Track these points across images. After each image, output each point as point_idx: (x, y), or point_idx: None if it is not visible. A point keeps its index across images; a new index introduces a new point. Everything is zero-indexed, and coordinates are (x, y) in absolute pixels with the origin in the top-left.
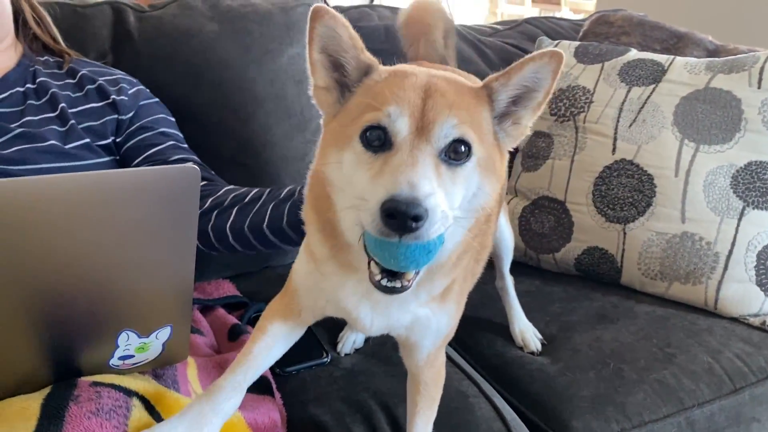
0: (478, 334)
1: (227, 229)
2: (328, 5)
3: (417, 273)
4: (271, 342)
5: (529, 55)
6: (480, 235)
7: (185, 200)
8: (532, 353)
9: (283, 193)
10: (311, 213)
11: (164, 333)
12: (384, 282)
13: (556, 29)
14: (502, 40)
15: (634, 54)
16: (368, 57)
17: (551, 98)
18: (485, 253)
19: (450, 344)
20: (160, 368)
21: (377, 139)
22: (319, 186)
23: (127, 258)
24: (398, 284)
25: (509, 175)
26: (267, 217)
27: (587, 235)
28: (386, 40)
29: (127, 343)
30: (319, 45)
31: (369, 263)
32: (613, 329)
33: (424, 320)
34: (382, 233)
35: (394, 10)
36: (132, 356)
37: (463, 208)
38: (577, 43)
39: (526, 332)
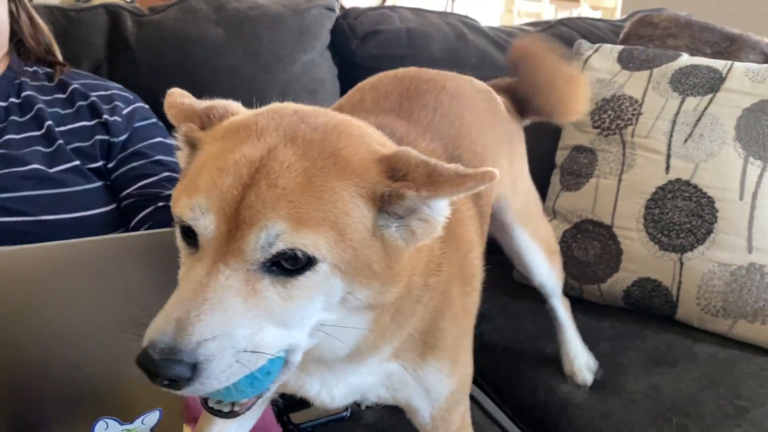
0: (517, 380)
1: None
2: (342, 7)
3: (255, 398)
4: None
5: (461, 174)
6: (422, 301)
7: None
8: (578, 386)
9: None
10: None
11: (152, 417)
12: (210, 403)
13: (592, 31)
14: None
15: (686, 59)
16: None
17: (594, 108)
18: (470, 283)
19: (484, 392)
20: None
21: (192, 236)
22: None
23: (111, 334)
24: (225, 408)
25: (545, 194)
26: None
27: (638, 265)
28: (409, 45)
29: (106, 431)
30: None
31: None
32: (671, 375)
33: (398, 377)
34: (158, 384)
35: (417, 12)
36: None
37: (335, 311)
38: (621, 47)
39: (576, 360)
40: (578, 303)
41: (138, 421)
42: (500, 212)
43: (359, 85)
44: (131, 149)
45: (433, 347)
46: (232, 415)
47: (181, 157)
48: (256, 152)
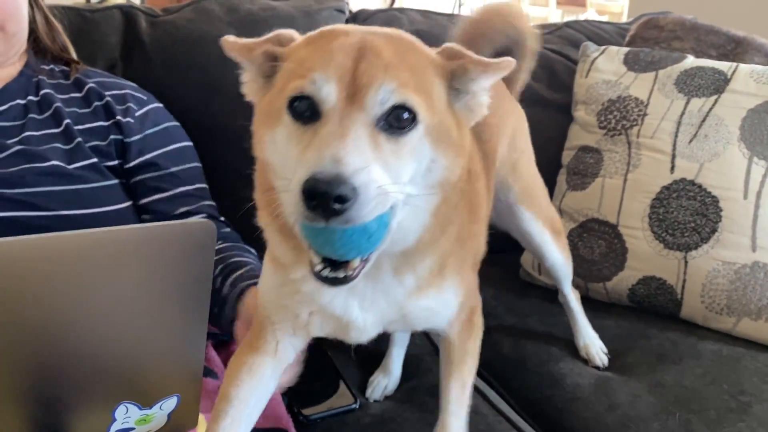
0: (523, 374)
1: None
2: (350, 11)
3: (365, 261)
4: (238, 413)
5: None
6: (458, 209)
7: (199, 259)
8: (597, 368)
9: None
10: (264, 213)
11: (170, 403)
12: (324, 273)
13: (599, 33)
14: (541, 45)
15: (691, 61)
16: (278, 34)
17: (600, 109)
18: (476, 212)
19: (492, 386)
20: None
21: (307, 110)
22: (262, 176)
23: (132, 323)
24: (340, 274)
25: (552, 193)
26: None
27: (643, 263)
28: None
29: (126, 416)
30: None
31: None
32: (675, 371)
33: (423, 311)
34: (306, 218)
35: (425, 14)
36: (132, 429)
37: (417, 184)
38: (627, 48)
39: (591, 347)
40: (584, 301)
41: (156, 407)
42: (502, 193)
43: None
44: (146, 157)
45: (449, 267)
46: (346, 280)
47: (250, 89)
48: (352, 41)
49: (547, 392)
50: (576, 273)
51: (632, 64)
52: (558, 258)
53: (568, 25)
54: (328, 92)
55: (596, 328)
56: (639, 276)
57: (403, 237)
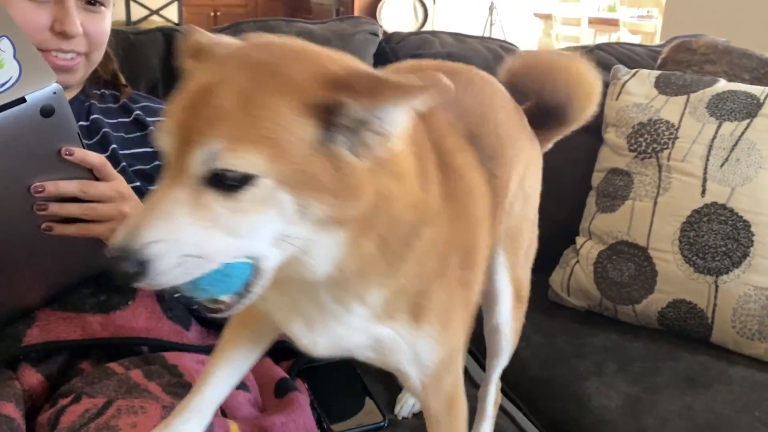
0: (549, 395)
1: None
2: (386, 32)
3: (239, 295)
4: (232, 354)
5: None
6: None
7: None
8: None
9: None
10: None
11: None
12: (203, 303)
13: (630, 56)
14: None
15: (723, 85)
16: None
17: (631, 132)
18: (471, 258)
19: (518, 407)
20: None
21: None
22: None
23: None
24: (212, 305)
25: (581, 215)
26: None
27: (673, 287)
28: None
29: None
30: None
31: None
32: (705, 396)
33: (389, 342)
34: None
35: (457, 37)
36: None
37: (298, 225)
38: (658, 72)
39: None
40: (612, 323)
41: None
42: None
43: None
44: None
45: (427, 311)
46: (219, 311)
47: None
48: (209, 78)
49: (573, 413)
50: (605, 295)
51: (663, 87)
52: (506, 326)
53: (599, 47)
54: (162, 146)
55: (624, 349)
56: (669, 299)
57: (309, 269)
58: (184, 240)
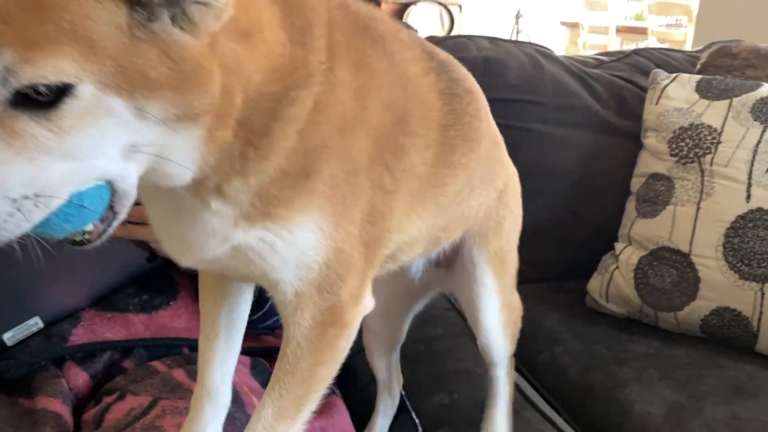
0: (591, 401)
1: None
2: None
3: (104, 222)
4: (216, 325)
5: None
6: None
7: None
8: None
9: None
10: None
11: None
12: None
13: (668, 61)
14: (609, 72)
15: (767, 89)
16: None
17: (672, 137)
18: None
19: (559, 413)
20: None
21: None
22: None
23: None
24: (77, 238)
25: (620, 221)
26: None
27: (716, 294)
28: (485, 73)
29: None
30: None
31: None
32: (753, 405)
33: (262, 246)
34: None
35: (493, 41)
36: None
37: (146, 132)
38: (699, 76)
39: None
40: (653, 331)
41: None
42: (474, 249)
43: None
44: None
45: (313, 195)
46: (84, 243)
47: None
48: None
49: (616, 419)
50: (646, 301)
51: (705, 91)
52: (497, 340)
53: (636, 52)
54: None
55: (665, 357)
56: (712, 306)
57: (172, 177)
58: (8, 182)
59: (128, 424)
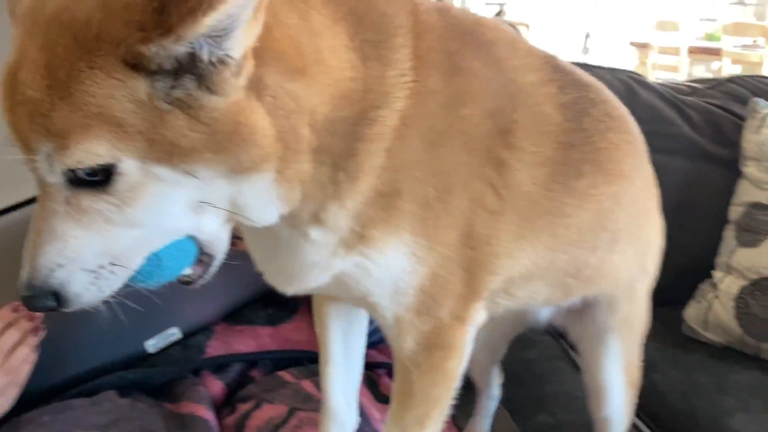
0: (694, 429)
1: None
2: None
3: (204, 265)
4: (335, 345)
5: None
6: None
7: None
8: None
9: None
10: None
11: None
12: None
13: (763, 89)
14: (704, 100)
15: None
16: None
17: None
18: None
19: None
20: None
21: None
22: None
23: None
24: (183, 279)
25: (717, 249)
26: None
27: None
28: None
29: None
30: None
31: None
32: None
33: (358, 272)
34: None
35: (586, 68)
36: None
37: (205, 190)
38: None
39: None
40: (754, 361)
41: None
42: (597, 312)
43: None
44: None
45: (404, 216)
46: (189, 283)
47: None
48: (14, 54)
49: None
50: (748, 332)
51: None
52: (618, 414)
53: (731, 80)
54: (19, 157)
55: None
56: None
57: (252, 219)
58: (83, 255)
59: None
